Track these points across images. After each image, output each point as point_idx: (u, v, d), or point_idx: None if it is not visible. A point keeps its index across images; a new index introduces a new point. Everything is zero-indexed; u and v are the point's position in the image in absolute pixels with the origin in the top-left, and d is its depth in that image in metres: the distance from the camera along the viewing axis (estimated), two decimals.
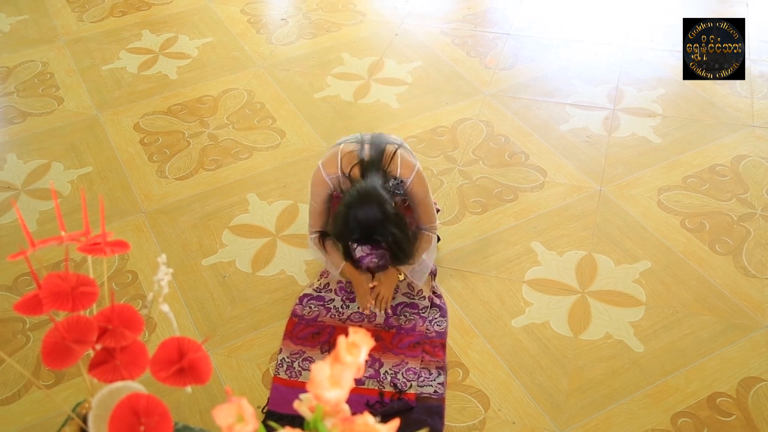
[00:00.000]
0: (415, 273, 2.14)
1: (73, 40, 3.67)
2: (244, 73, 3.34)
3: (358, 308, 2.16)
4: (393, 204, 1.88)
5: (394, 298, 2.17)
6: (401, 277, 2.15)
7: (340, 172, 1.99)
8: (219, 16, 3.82)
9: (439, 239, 2.37)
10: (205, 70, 3.38)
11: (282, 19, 3.79)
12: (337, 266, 2.15)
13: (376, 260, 2.13)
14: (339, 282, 2.20)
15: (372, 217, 1.82)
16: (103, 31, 3.74)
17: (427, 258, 2.12)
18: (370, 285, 2.14)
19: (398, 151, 1.98)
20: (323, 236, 2.13)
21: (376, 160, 1.95)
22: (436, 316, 2.13)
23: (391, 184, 1.98)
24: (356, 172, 1.97)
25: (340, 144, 2.06)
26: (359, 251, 2.08)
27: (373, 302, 2.13)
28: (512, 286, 2.23)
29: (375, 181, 1.89)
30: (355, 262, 2.11)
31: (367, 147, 1.99)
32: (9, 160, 2.87)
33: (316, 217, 2.10)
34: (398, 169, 1.97)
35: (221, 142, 2.91)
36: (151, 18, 3.84)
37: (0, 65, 3.50)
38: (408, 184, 1.99)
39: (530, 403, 1.91)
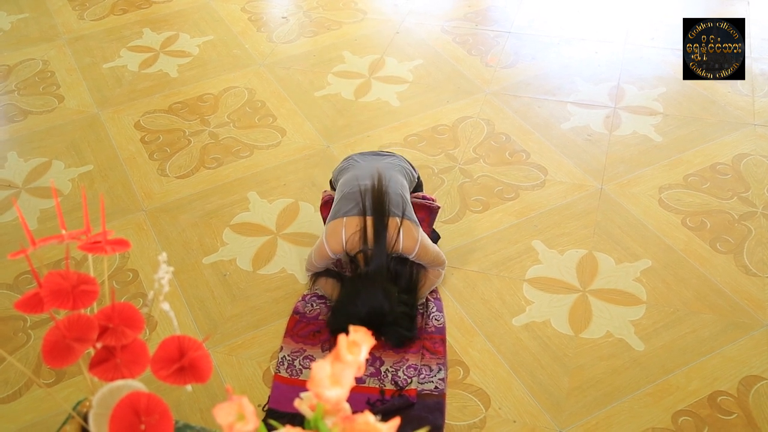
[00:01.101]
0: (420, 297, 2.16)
1: (74, 38, 3.67)
2: (245, 72, 3.33)
3: None
4: (398, 298, 1.92)
5: None
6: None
7: (344, 251, 1.98)
8: (220, 15, 3.81)
9: (439, 238, 2.37)
10: (206, 68, 3.38)
11: (282, 18, 3.78)
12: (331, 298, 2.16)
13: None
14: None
15: (377, 319, 1.88)
16: (104, 29, 3.74)
17: (433, 287, 2.17)
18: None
19: (401, 227, 1.96)
20: (318, 275, 2.14)
21: (380, 248, 1.94)
22: (433, 311, 2.14)
23: (392, 259, 1.99)
24: (361, 258, 1.97)
25: (340, 215, 2.00)
26: None
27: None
28: (513, 284, 2.23)
29: (380, 268, 1.91)
30: None
31: (369, 226, 1.94)
32: (10, 159, 2.87)
33: (318, 261, 2.09)
34: (401, 244, 1.97)
35: (222, 141, 2.90)
36: (151, 16, 3.83)
37: (1, 63, 3.49)
38: (413, 257, 2.01)
39: (531, 401, 1.91)
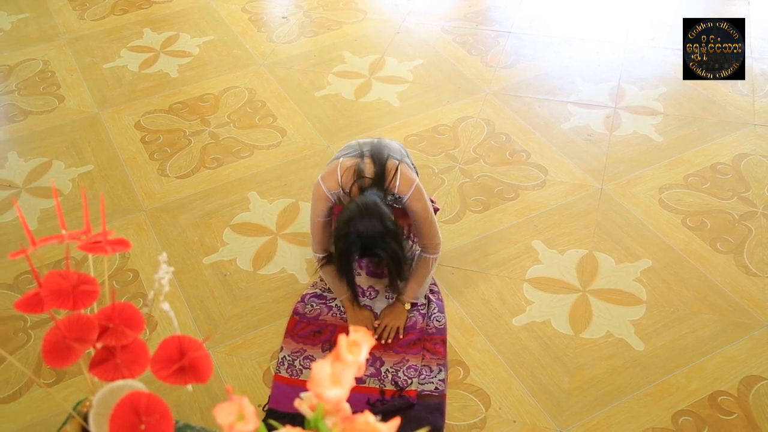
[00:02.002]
0: (420, 294, 2.14)
1: (74, 38, 3.67)
2: (245, 72, 3.33)
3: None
4: (393, 218, 1.86)
5: (392, 298, 2.17)
6: (407, 307, 2.13)
7: (340, 187, 1.95)
8: (220, 15, 3.81)
9: None
10: (206, 68, 3.38)
11: (283, 18, 3.79)
12: (339, 295, 2.14)
13: (375, 292, 2.17)
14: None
15: (373, 230, 1.80)
16: (104, 29, 3.74)
17: (426, 282, 2.13)
18: (375, 323, 2.12)
19: (399, 167, 1.94)
20: (328, 261, 2.09)
21: (377, 179, 1.91)
22: (435, 312, 2.14)
23: (389, 200, 1.95)
24: (356, 190, 1.93)
25: (339, 157, 2.01)
26: (360, 281, 2.15)
27: (377, 336, 2.11)
28: (513, 284, 2.23)
29: (375, 195, 1.87)
30: (356, 296, 2.10)
31: (367, 162, 1.94)
32: (10, 159, 2.87)
33: (319, 231, 2.04)
34: (397, 186, 1.93)
35: (222, 141, 2.91)
36: (152, 16, 3.83)
37: (1, 63, 3.50)
38: (405, 200, 1.95)
39: (531, 401, 1.91)
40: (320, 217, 2.02)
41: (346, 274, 1.92)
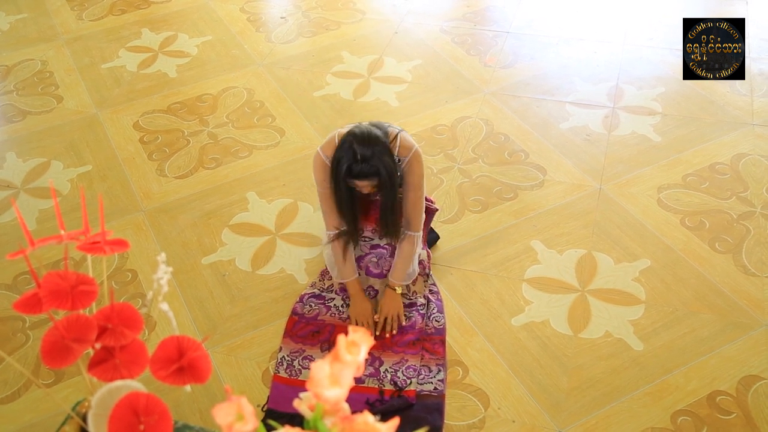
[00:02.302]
0: (406, 278, 2.13)
1: (73, 38, 3.67)
2: (244, 72, 3.33)
3: None
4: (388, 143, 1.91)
5: None
6: (398, 291, 2.14)
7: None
8: (218, 15, 3.81)
9: (438, 238, 2.37)
10: (205, 68, 3.38)
11: (281, 18, 3.78)
12: (344, 277, 2.13)
13: (375, 259, 2.14)
14: (340, 282, 2.20)
15: (372, 136, 1.85)
16: (103, 29, 3.74)
17: (412, 262, 2.12)
18: (375, 318, 2.12)
19: (399, 134, 1.97)
20: (338, 236, 2.10)
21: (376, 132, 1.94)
22: (434, 312, 2.14)
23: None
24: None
25: (338, 129, 2.04)
26: (361, 249, 2.13)
27: (376, 330, 2.11)
28: (512, 284, 2.23)
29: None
30: (358, 235, 2.10)
31: (365, 125, 1.97)
32: (8, 159, 2.87)
33: (328, 202, 2.05)
34: (397, 149, 1.96)
35: (221, 141, 2.90)
36: (150, 16, 3.83)
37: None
38: (405, 163, 1.98)
39: (530, 401, 1.91)
40: (325, 188, 2.03)
41: (346, 202, 1.95)
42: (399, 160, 1.98)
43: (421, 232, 2.11)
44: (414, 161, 1.99)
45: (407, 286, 2.17)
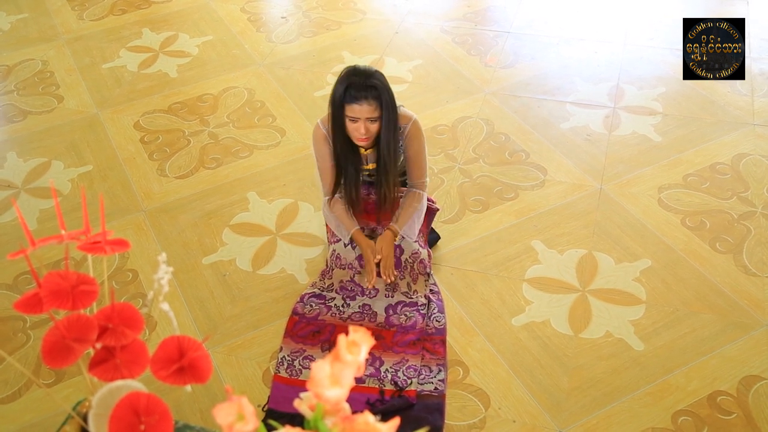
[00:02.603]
0: (409, 229, 2.18)
1: (73, 38, 3.67)
2: (244, 72, 3.33)
3: (359, 307, 2.16)
4: None
5: (392, 296, 2.17)
6: (397, 240, 2.17)
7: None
8: (219, 15, 3.81)
9: (439, 238, 2.37)
10: (206, 68, 3.38)
11: (282, 18, 3.78)
12: (348, 230, 2.17)
13: (374, 197, 2.17)
14: (340, 281, 2.20)
15: (367, 69, 1.93)
16: (103, 29, 3.74)
17: (416, 216, 2.17)
18: (376, 259, 2.15)
19: (400, 107, 2.03)
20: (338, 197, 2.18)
21: None
22: (435, 312, 2.14)
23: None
24: None
25: None
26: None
27: (376, 276, 2.15)
28: (512, 284, 2.23)
29: None
30: (358, 206, 2.15)
31: None
32: (9, 159, 2.87)
33: (326, 174, 2.13)
34: (398, 113, 2.02)
35: (221, 141, 2.90)
36: (151, 16, 3.83)
37: (0, 64, 3.49)
38: (406, 131, 2.06)
39: (530, 401, 1.91)
40: (325, 162, 2.11)
41: (343, 135, 1.99)
42: (400, 128, 2.05)
43: (426, 192, 2.18)
44: (414, 129, 2.08)
45: (409, 284, 2.17)
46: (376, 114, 1.92)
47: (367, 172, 2.15)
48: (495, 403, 1.91)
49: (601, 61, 3.28)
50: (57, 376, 2.02)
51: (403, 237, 2.17)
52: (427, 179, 2.19)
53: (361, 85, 1.89)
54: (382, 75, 1.94)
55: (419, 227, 2.20)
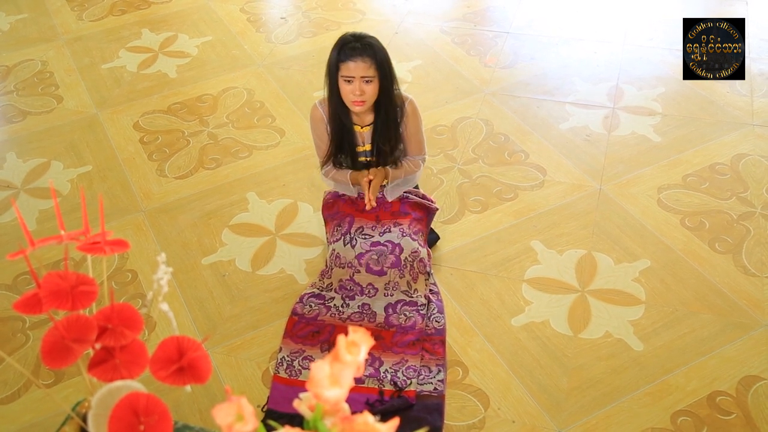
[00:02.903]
0: (395, 187, 2.22)
1: (73, 38, 3.67)
2: (244, 72, 3.33)
3: (358, 307, 2.16)
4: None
5: (392, 295, 2.17)
6: (385, 183, 2.21)
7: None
8: (218, 15, 3.81)
9: (438, 238, 2.37)
10: (205, 68, 3.38)
11: (281, 18, 3.79)
12: (348, 182, 2.21)
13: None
14: (339, 280, 2.21)
15: (367, 34, 2.03)
16: (103, 29, 3.74)
17: (408, 178, 2.23)
18: (368, 178, 2.18)
19: (397, 90, 2.10)
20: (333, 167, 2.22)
21: None
22: (434, 313, 2.14)
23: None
24: None
25: None
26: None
27: (369, 193, 2.17)
28: (512, 284, 2.23)
29: None
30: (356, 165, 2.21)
31: None
32: (8, 159, 2.87)
33: (322, 148, 2.20)
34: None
35: (221, 141, 2.90)
36: (150, 17, 3.83)
37: None
38: (402, 110, 2.12)
39: (530, 401, 1.91)
40: (322, 139, 2.18)
41: (340, 106, 2.06)
42: (397, 106, 2.13)
43: (423, 164, 2.25)
44: (410, 108, 2.15)
45: (409, 283, 2.17)
46: (370, 72, 1.98)
47: (363, 156, 2.20)
48: (494, 403, 1.91)
49: (600, 62, 3.28)
50: (56, 377, 2.02)
51: (388, 181, 2.22)
52: (426, 156, 2.25)
53: (355, 42, 1.98)
54: (377, 39, 2.02)
55: (402, 191, 2.24)
